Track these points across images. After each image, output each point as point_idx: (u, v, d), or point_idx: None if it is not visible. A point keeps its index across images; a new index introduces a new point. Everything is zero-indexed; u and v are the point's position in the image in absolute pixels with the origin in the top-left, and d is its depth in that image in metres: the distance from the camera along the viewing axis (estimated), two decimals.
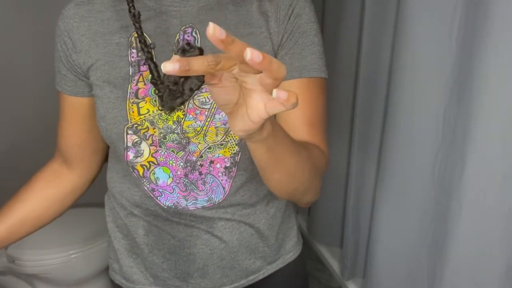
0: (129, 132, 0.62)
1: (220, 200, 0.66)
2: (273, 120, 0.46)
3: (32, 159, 1.69)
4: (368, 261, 1.14)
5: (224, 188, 0.66)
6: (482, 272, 0.79)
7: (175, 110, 0.57)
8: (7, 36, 1.56)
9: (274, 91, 0.33)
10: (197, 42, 0.61)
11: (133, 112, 0.61)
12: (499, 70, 0.69)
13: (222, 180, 0.66)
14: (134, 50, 0.61)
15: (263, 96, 0.37)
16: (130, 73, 0.60)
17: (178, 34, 0.61)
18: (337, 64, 1.29)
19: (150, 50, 0.56)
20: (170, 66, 0.30)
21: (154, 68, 0.51)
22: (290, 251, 0.78)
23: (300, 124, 0.64)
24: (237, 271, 0.72)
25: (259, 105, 0.37)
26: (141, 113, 0.61)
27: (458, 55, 0.79)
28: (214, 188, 0.66)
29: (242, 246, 0.71)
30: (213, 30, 0.29)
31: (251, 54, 0.30)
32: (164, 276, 0.71)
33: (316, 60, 0.64)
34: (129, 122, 0.61)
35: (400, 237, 1.00)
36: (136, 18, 0.55)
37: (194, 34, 0.61)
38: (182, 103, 0.44)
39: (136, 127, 0.61)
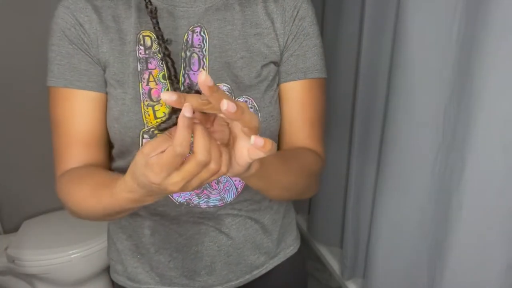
0: (145, 136, 0.61)
1: (232, 200, 0.67)
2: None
3: (31, 158, 1.69)
4: (368, 261, 1.14)
5: (237, 188, 0.67)
6: (482, 272, 0.79)
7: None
8: (7, 36, 1.56)
9: (252, 138, 0.36)
10: (205, 42, 0.62)
11: (149, 115, 0.60)
12: (499, 70, 0.69)
13: (235, 180, 0.67)
14: (142, 47, 0.61)
15: (246, 142, 0.39)
16: (139, 69, 0.60)
17: (187, 34, 0.61)
18: (337, 64, 1.29)
19: (167, 46, 0.56)
20: (167, 96, 0.34)
21: (172, 65, 0.51)
22: (291, 245, 0.80)
23: (301, 123, 0.66)
24: (243, 267, 0.73)
25: (243, 151, 0.40)
26: (158, 116, 0.60)
27: (458, 55, 0.79)
28: (227, 188, 0.67)
29: (248, 242, 0.72)
30: (205, 77, 0.34)
31: (227, 105, 0.34)
32: (171, 275, 0.71)
33: (318, 61, 0.66)
34: (146, 126, 0.60)
35: (400, 237, 1.00)
36: (153, 14, 0.55)
37: (202, 33, 0.62)
38: (166, 128, 0.44)
39: (153, 131, 0.60)
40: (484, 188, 0.75)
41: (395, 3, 0.95)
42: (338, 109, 1.32)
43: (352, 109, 1.26)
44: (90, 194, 0.55)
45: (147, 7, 0.56)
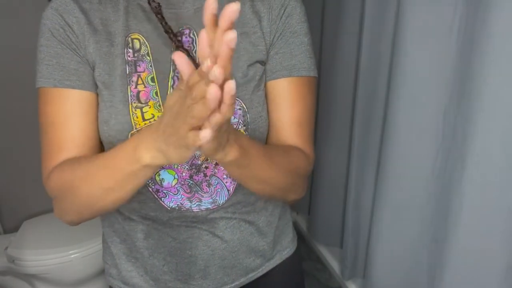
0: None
1: (224, 202, 0.67)
2: (243, 143, 0.50)
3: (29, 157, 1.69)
4: (368, 261, 1.14)
5: (228, 190, 0.66)
6: (482, 272, 0.79)
7: None
8: (7, 38, 1.56)
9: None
10: (195, 44, 0.61)
11: (137, 117, 0.59)
12: (499, 70, 0.69)
13: (226, 182, 0.66)
14: (130, 50, 0.60)
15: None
16: (127, 72, 0.60)
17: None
18: (337, 64, 1.29)
19: (179, 38, 0.56)
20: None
21: (188, 55, 0.50)
22: (287, 247, 0.79)
23: (288, 122, 0.65)
24: (238, 270, 0.72)
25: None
26: (146, 118, 0.60)
27: (458, 55, 0.79)
28: (219, 190, 0.66)
29: (243, 245, 0.71)
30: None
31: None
32: (165, 279, 0.70)
33: (305, 59, 0.65)
34: (134, 128, 0.60)
35: (400, 237, 1.00)
36: (157, 9, 0.55)
37: (192, 35, 0.62)
38: None
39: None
40: (484, 188, 0.75)
41: (395, 3, 0.95)
42: (338, 109, 1.32)
43: (352, 109, 1.26)
44: (92, 163, 0.54)
45: (150, 4, 0.55)
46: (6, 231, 1.73)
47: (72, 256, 1.45)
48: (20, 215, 1.72)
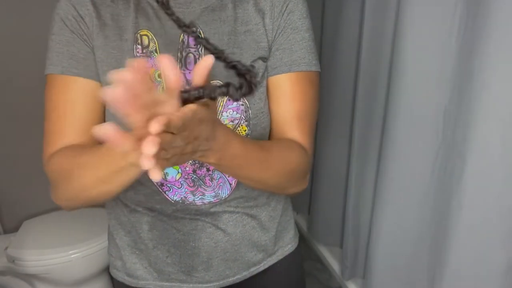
0: None
1: (227, 196, 0.68)
2: (230, 148, 0.51)
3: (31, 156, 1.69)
4: (368, 261, 1.14)
5: (230, 184, 0.68)
6: (482, 272, 0.79)
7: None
8: (8, 37, 1.56)
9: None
10: None
11: None
12: (499, 70, 0.69)
13: (229, 176, 0.67)
14: (139, 46, 0.62)
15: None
16: None
17: (182, 34, 0.62)
18: (337, 64, 1.29)
19: (194, 30, 0.56)
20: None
21: (207, 43, 0.51)
22: (289, 243, 0.80)
23: (289, 117, 0.66)
24: (240, 263, 0.73)
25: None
26: None
27: (458, 55, 0.79)
28: (221, 184, 0.67)
29: (245, 239, 0.72)
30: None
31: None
32: (169, 271, 0.72)
33: (306, 55, 0.66)
34: None
35: (400, 237, 1.00)
36: (166, 5, 0.55)
37: (198, 34, 0.62)
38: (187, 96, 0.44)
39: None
40: (484, 188, 0.75)
41: (395, 3, 0.95)
42: (338, 109, 1.32)
43: (352, 109, 1.26)
44: (92, 153, 0.54)
45: (157, 1, 0.56)
46: (6, 231, 1.73)
47: (72, 256, 1.45)
48: (20, 215, 1.72)
